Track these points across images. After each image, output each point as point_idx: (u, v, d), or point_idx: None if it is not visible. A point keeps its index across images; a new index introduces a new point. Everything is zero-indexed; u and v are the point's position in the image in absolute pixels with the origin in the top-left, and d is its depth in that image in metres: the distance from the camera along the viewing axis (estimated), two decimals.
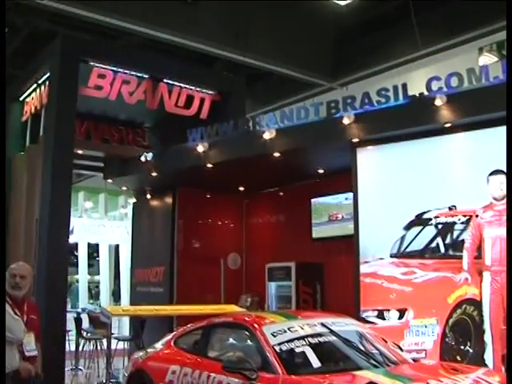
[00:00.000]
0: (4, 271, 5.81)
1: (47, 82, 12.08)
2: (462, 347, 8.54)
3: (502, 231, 8.27)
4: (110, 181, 14.10)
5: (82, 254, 20.53)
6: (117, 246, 20.57)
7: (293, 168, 11.59)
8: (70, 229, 12.26)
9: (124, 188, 15.15)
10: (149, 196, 14.25)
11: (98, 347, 12.44)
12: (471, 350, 8.47)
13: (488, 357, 8.25)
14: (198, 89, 13.64)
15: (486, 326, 8.33)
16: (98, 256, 21.87)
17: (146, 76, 12.90)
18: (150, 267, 13.88)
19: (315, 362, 6.01)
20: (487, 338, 8.31)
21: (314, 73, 15.52)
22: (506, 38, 7.99)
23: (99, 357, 12.29)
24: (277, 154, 10.58)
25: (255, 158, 10.92)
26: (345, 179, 10.22)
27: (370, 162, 9.86)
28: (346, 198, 12.00)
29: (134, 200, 15.18)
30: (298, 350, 6.12)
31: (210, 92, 13.80)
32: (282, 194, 13.75)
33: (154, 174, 12.42)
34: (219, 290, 13.69)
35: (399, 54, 14.05)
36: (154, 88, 12.94)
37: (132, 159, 12.87)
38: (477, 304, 8.44)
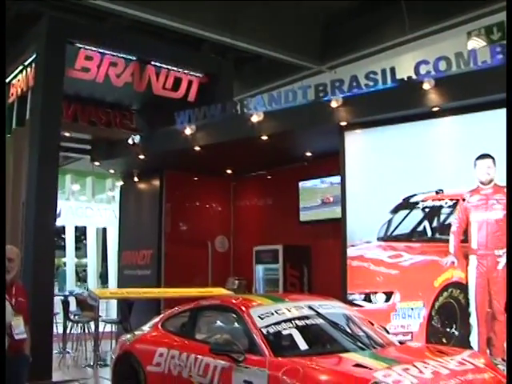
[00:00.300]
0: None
1: (33, 64, 11.96)
2: (448, 330, 8.62)
3: (489, 215, 8.33)
4: (97, 163, 14.06)
5: (70, 237, 20.48)
6: (104, 229, 20.55)
7: (280, 151, 11.59)
8: (57, 212, 12.20)
9: (111, 171, 15.10)
10: (136, 179, 14.23)
11: (86, 330, 12.43)
12: (457, 333, 8.55)
13: (473, 339, 8.34)
14: (185, 71, 13.55)
15: (472, 309, 8.41)
16: (85, 239, 21.84)
17: (133, 58, 12.79)
18: (137, 250, 13.89)
19: (302, 345, 6.04)
20: (473, 320, 8.39)
21: (303, 56, 15.46)
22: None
23: (87, 340, 12.28)
24: (264, 137, 10.58)
25: (243, 141, 10.91)
26: (332, 162, 10.23)
27: (358, 145, 9.88)
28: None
29: (122, 183, 15.14)
30: (285, 332, 6.15)
31: (198, 74, 13.72)
32: (269, 177, 13.77)
33: (142, 156, 12.40)
34: (207, 272, 13.71)
35: (388, 38, 14.00)
36: (141, 70, 12.85)
37: (119, 142, 12.83)
38: (463, 287, 8.51)
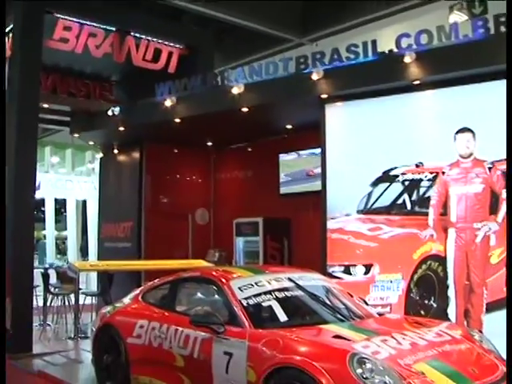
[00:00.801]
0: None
1: (11, 34, 11.80)
2: (426, 302, 8.70)
3: (468, 189, 8.38)
4: (76, 135, 13.94)
5: (49, 210, 20.40)
6: (84, 202, 20.48)
7: (261, 123, 11.56)
8: (37, 184, 12.13)
9: (91, 143, 15.01)
10: (116, 151, 14.16)
11: (66, 302, 12.42)
12: (435, 305, 8.63)
13: (451, 311, 8.43)
14: (165, 42, 13.46)
15: (450, 281, 8.49)
16: (65, 211, 21.75)
17: (112, 29, 12.67)
18: (117, 222, 13.86)
19: (282, 316, 6.08)
20: (451, 293, 8.47)
21: (284, 28, 15.38)
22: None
23: (67, 312, 12.29)
24: (245, 109, 10.54)
25: (223, 113, 10.86)
26: (313, 135, 10.23)
27: (339, 118, 9.86)
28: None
29: (102, 155, 15.05)
30: (265, 304, 6.18)
31: (179, 46, 13.62)
32: (250, 149, 13.76)
33: (122, 128, 12.32)
34: (187, 245, 13.74)
35: (370, 11, 13.95)
36: (121, 41, 12.73)
37: (99, 113, 12.73)
38: (441, 260, 8.58)
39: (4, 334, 5.42)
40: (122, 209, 13.84)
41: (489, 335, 6.18)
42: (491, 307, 8.08)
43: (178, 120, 11.38)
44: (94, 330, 7.97)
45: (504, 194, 8.04)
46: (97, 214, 15.50)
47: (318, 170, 10.76)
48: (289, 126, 11.91)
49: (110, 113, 12.22)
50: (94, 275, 15.59)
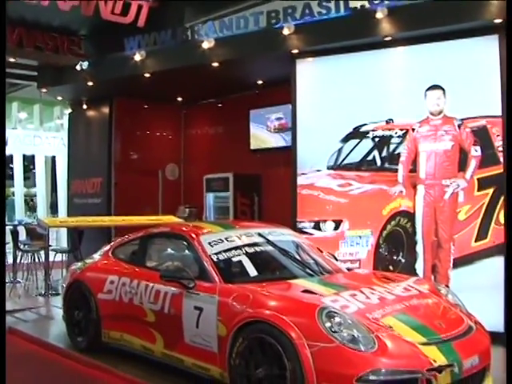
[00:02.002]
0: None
1: None
2: (395, 257, 8.80)
3: (437, 146, 8.42)
4: (44, 90, 13.73)
5: (18, 166, 20.19)
6: (53, 158, 20.29)
7: (232, 79, 11.49)
8: (4, 141, 11.97)
9: (59, 98, 14.82)
10: (85, 106, 14.02)
11: (36, 259, 12.37)
12: (403, 260, 8.74)
13: (419, 267, 8.54)
14: None
15: (418, 237, 8.58)
16: (34, 168, 21.55)
17: None
18: (87, 178, 13.78)
19: (252, 271, 6.11)
20: (419, 248, 8.57)
21: None
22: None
23: (37, 269, 12.24)
24: (215, 64, 10.45)
25: (193, 68, 10.77)
26: (284, 91, 10.18)
27: (310, 73, 9.81)
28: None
29: (70, 110, 14.88)
30: (234, 259, 6.21)
31: None
32: (220, 105, 13.69)
33: (90, 83, 12.17)
34: (157, 200, 13.71)
35: None
36: None
37: (67, 68, 12.54)
38: (410, 216, 8.66)
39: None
40: (92, 165, 13.74)
41: (455, 290, 6.30)
42: (458, 263, 8.20)
43: (147, 75, 11.26)
44: (64, 286, 7.96)
45: (473, 152, 8.13)
46: (66, 170, 15.37)
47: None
48: (260, 82, 11.85)
49: (78, 67, 12.06)
50: (64, 232, 15.52)
